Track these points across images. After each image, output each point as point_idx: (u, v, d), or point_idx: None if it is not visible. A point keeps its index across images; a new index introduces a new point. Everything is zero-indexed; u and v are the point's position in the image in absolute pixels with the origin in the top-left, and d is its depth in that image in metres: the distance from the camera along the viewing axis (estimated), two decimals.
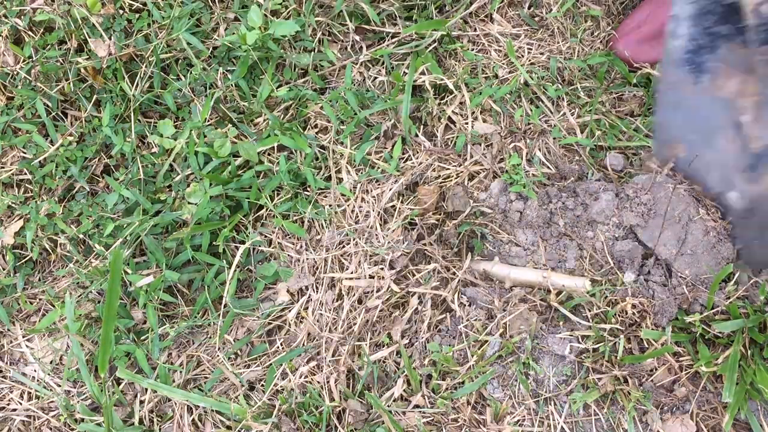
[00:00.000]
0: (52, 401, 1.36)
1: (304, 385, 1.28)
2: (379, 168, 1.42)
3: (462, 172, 1.40)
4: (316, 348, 1.31)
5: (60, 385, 1.37)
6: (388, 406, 1.25)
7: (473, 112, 1.44)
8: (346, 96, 1.45)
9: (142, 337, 1.37)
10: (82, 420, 1.32)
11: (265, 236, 1.40)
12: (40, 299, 1.45)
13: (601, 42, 1.49)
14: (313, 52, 1.51)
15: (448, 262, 1.35)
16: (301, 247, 1.39)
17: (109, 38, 1.49)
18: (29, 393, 1.38)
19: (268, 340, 1.35)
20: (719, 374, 1.19)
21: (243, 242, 1.37)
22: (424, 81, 1.43)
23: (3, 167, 1.49)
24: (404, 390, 1.26)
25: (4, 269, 1.46)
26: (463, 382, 1.26)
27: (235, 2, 1.53)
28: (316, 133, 1.47)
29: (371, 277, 1.32)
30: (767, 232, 1.24)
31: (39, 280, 1.46)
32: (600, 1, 1.52)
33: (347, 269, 1.34)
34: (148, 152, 1.46)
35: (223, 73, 1.49)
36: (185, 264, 1.38)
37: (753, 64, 1.15)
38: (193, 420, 1.30)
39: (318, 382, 1.27)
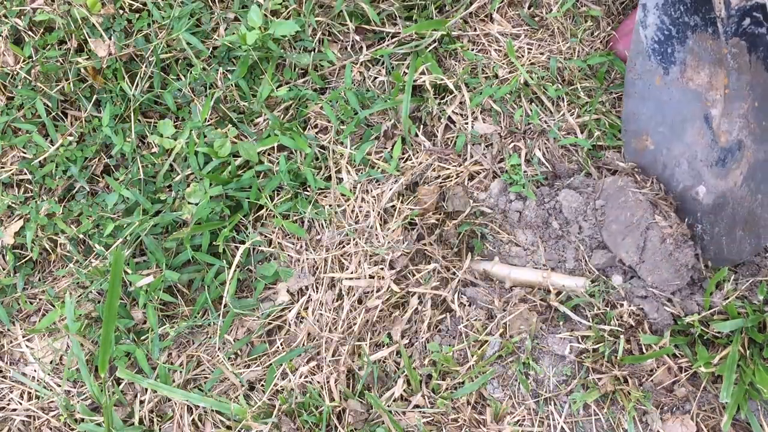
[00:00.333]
0: (52, 401, 1.36)
1: (304, 385, 1.28)
2: (379, 168, 1.42)
3: (462, 172, 1.40)
4: (316, 348, 1.31)
5: (60, 385, 1.37)
6: (388, 406, 1.25)
7: (473, 112, 1.44)
8: (346, 96, 1.45)
9: (142, 337, 1.37)
10: (82, 420, 1.32)
11: (265, 236, 1.40)
12: (40, 299, 1.45)
13: (601, 42, 1.49)
14: (313, 52, 1.51)
15: (448, 262, 1.35)
16: (301, 247, 1.39)
17: (109, 38, 1.49)
18: (29, 393, 1.38)
19: (268, 340, 1.35)
20: (719, 374, 1.19)
21: (243, 242, 1.37)
22: (424, 81, 1.43)
23: (3, 167, 1.49)
24: (404, 390, 1.26)
25: (4, 269, 1.46)
26: (463, 382, 1.26)
27: (235, 2, 1.53)
28: (316, 133, 1.47)
29: (371, 277, 1.32)
30: (736, 228, 1.21)
31: (39, 280, 1.46)
32: (600, 1, 1.52)
33: (347, 269, 1.35)
34: (148, 152, 1.46)
35: (223, 73, 1.49)
36: (185, 264, 1.38)
37: (722, 56, 1.12)
38: (193, 420, 1.30)
39: (318, 382, 1.27)
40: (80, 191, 1.47)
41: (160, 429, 1.30)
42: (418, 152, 1.43)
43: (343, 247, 1.36)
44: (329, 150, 1.44)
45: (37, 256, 1.43)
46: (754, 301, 1.22)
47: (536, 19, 1.53)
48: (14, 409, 1.37)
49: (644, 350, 1.22)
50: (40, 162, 1.47)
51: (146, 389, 1.32)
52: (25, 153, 1.48)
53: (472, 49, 1.50)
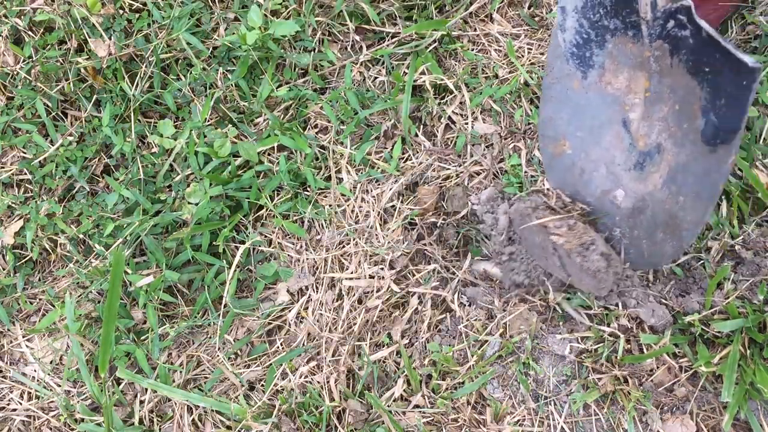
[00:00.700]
0: (52, 401, 1.36)
1: (304, 385, 1.28)
2: (379, 168, 1.42)
3: (462, 172, 1.40)
4: (316, 348, 1.31)
5: (60, 385, 1.37)
6: (388, 406, 1.25)
7: (473, 112, 1.44)
8: (346, 96, 1.45)
9: (142, 337, 1.37)
10: (82, 420, 1.32)
11: (265, 236, 1.40)
12: (40, 299, 1.45)
13: None
14: (313, 52, 1.51)
15: (448, 262, 1.35)
16: (301, 247, 1.39)
17: (109, 38, 1.49)
18: (29, 393, 1.38)
19: (268, 340, 1.35)
20: (719, 374, 1.19)
21: (243, 242, 1.37)
22: (424, 81, 1.43)
23: (3, 167, 1.49)
24: (404, 390, 1.26)
25: (4, 269, 1.46)
26: (463, 382, 1.26)
27: (235, 2, 1.53)
28: (316, 133, 1.47)
29: (371, 277, 1.32)
30: (656, 231, 1.19)
31: (39, 280, 1.46)
32: None
33: (347, 269, 1.35)
34: (148, 152, 1.46)
35: (223, 73, 1.49)
36: (185, 264, 1.38)
37: (643, 59, 1.10)
38: (193, 420, 1.30)
39: (318, 382, 1.27)
40: (80, 191, 1.47)
41: (160, 429, 1.30)
42: (418, 152, 1.43)
43: (343, 247, 1.36)
44: (329, 150, 1.44)
45: (37, 256, 1.43)
46: (755, 300, 1.22)
47: (536, 19, 1.53)
48: (14, 409, 1.37)
49: (644, 350, 1.22)
50: (40, 162, 1.47)
51: (146, 389, 1.32)
52: (25, 153, 1.48)
53: (472, 49, 1.50)
